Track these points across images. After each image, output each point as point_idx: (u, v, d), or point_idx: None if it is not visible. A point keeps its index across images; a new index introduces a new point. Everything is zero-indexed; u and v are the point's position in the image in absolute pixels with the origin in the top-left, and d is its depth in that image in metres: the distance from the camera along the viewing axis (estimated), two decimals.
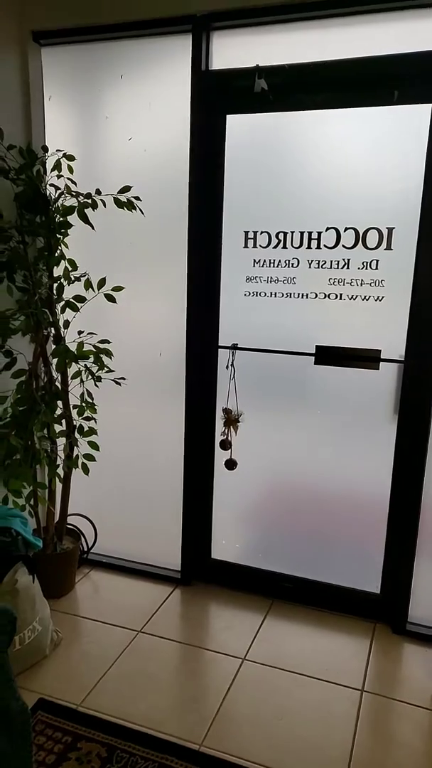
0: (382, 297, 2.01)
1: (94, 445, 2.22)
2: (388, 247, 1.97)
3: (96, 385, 2.16)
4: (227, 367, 2.24)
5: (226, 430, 2.25)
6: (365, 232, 1.98)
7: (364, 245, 1.99)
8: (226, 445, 2.26)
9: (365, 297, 2.03)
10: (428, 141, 1.86)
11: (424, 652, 2.07)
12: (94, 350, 2.13)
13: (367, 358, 2.06)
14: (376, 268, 2.00)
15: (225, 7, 1.92)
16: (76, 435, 2.22)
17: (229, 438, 2.26)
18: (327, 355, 2.12)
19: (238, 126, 2.07)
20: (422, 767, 1.62)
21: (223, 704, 1.82)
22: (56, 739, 1.65)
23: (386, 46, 1.83)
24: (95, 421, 2.23)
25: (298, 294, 2.11)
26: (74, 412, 2.21)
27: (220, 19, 1.95)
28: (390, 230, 1.96)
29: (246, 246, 2.13)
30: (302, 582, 2.31)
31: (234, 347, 2.22)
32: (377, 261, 1.99)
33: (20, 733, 1.27)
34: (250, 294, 2.17)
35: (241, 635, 2.15)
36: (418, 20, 1.81)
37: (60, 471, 2.26)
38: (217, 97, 2.04)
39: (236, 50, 1.99)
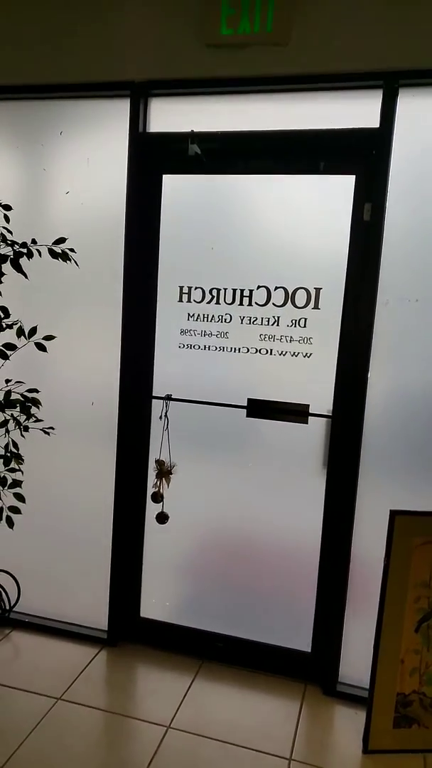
0: (311, 354, 2.07)
1: (19, 497, 2.12)
2: (316, 306, 2.05)
3: (22, 435, 2.10)
4: (161, 417, 2.23)
5: (158, 482, 2.22)
6: (294, 292, 2.06)
7: (293, 304, 2.06)
8: (157, 497, 2.22)
9: (294, 353, 2.08)
10: (352, 208, 1.98)
11: (354, 714, 2.02)
12: (22, 399, 2.08)
13: (297, 412, 2.10)
14: (305, 326, 2.06)
15: (162, 77, 2.02)
16: (0, 487, 2.13)
17: (161, 490, 2.22)
18: (258, 408, 2.14)
19: (175, 185, 2.14)
20: None
21: None
22: None
23: (311, 121, 1.96)
24: (21, 473, 2.15)
25: (231, 348, 2.14)
26: None
27: (157, 87, 2.05)
28: (318, 290, 2.04)
29: (181, 300, 2.17)
30: (233, 641, 2.24)
31: (168, 398, 2.22)
32: (305, 319, 2.06)
33: None
34: (184, 346, 2.19)
35: (167, 700, 2.05)
36: (341, 101, 1.95)
37: None
38: (154, 158, 2.12)
39: (173, 115, 2.08)
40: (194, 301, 2.16)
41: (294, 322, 2.07)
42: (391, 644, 1.86)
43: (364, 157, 1.93)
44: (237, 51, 1.93)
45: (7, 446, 2.10)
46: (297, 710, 2.04)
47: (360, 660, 2.07)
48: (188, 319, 2.17)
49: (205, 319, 2.15)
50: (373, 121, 1.90)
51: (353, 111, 1.93)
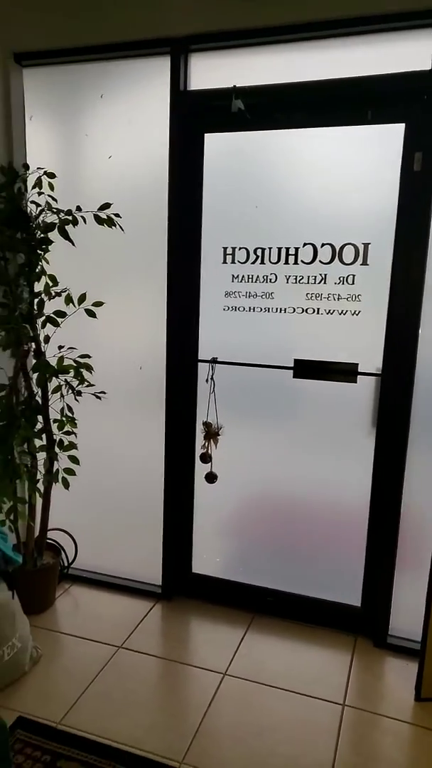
0: (359, 311, 2.04)
1: (74, 460, 2.22)
2: (364, 263, 2.01)
3: (76, 399, 2.17)
4: (207, 380, 2.26)
5: (206, 444, 2.26)
6: (341, 248, 2.02)
7: (341, 261, 2.03)
8: (206, 458, 2.26)
9: (342, 311, 2.06)
10: (401, 159, 1.91)
11: (405, 665, 2.07)
12: (75, 365, 2.14)
13: (345, 372, 2.09)
14: (353, 283, 2.03)
15: (203, 30, 1.97)
16: (56, 449, 2.22)
17: (209, 451, 2.26)
18: (305, 369, 2.14)
19: (217, 144, 2.11)
20: None
21: (204, 721, 1.81)
22: (35, 758, 1.63)
23: (359, 68, 1.88)
24: (75, 436, 2.23)
25: (276, 308, 2.13)
26: (54, 427, 2.21)
27: (198, 41, 2.00)
28: (366, 246, 2.00)
29: (225, 261, 2.16)
30: (283, 596, 2.31)
31: (214, 361, 2.24)
32: (353, 276, 2.02)
33: None
34: (229, 309, 2.19)
35: (222, 650, 2.14)
36: (389, 43, 1.86)
37: (40, 486, 2.25)
38: (196, 117, 2.08)
39: (214, 71, 2.04)
40: (238, 261, 2.14)
41: (342, 279, 2.03)
42: None
43: (414, 102, 1.85)
44: None
45: (62, 410, 2.18)
46: (348, 661, 2.10)
47: (410, 613, 2.11)
48: (233, 281, 2.16)
49: (250, 279, 2.14)
50: (424, 63, 1.81)
51: (402, 54, 1.84)
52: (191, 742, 1.72)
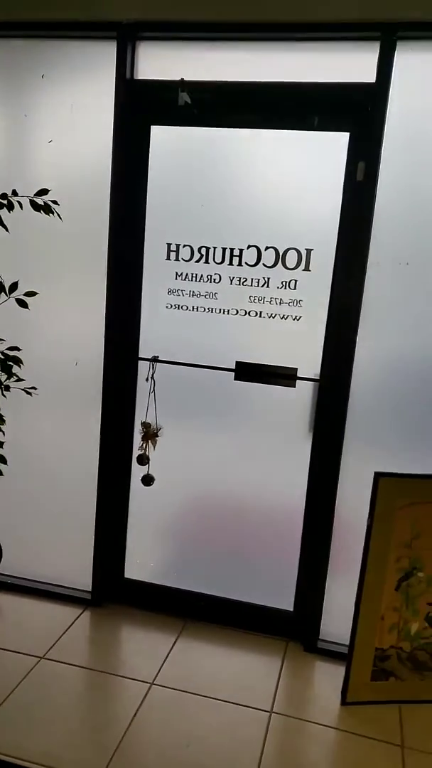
0: (300, 317, 2.04)
1: (1, 459, 2.08)
2: (307, 268, 2.01)
3: (3, 394, 2.04)
4: (147, 379, 2.19)
5: (144, 445, 2.19)
6: (285, 252, 2.02)
7: (284, 265, 2.02)
8: (143, 460, 2.20)
9: (284, 316, 2.05)
10: (345, 167, 1.93)
11: (333, 669, 2.08)
12: (2, 357, 2.01)
13: (285, 376, 2.08)
14: (295, 288, 2.03)
15: (151, 18, 1.91)
16: None
17: (147, 453, 2.20)
18: (246, 372, 2.12)
19: (163, 137, 2.05)
20: None
21: (128, 732, 1.74)
22: None
23: (308, 74, 1.88)
24: (3, 433, 2.10)
25: (220, 309, 2.10)
26: None
27: (147, 29, 1.94)
28: (309, 251, 2.00)
29: (168, 258, 2.11)
30: (216, 600, 2.27)
31: (154, 359, 2.18)
32: (296, 281, 2.03)
33: None
34: (171, 306, 2.14)
35: (151, 658, 2.07)
36: (339, 53, 1.88)
37: None
38: (142, 107, 2.02)
39: (163, 61, 1.98)
40: (182, 259, 2.10)
41: (284, 283, 2.03)
42: (372, 602, 1.90)
43: (358, 113, 1.87)
44: None
45: None
46: (278, 666, 2.09)
47: (340, 618, 2.11)
48: (176, 279, 2.11)
49: (194, 278, 2.10)
50: (369, 75, 1.84)
51: (349, 64, 1.86)
52: (112, 757, 1.65)
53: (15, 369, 2.02)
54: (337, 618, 2.14)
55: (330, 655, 2.14)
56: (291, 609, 2.22)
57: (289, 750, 1.73)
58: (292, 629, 2.22)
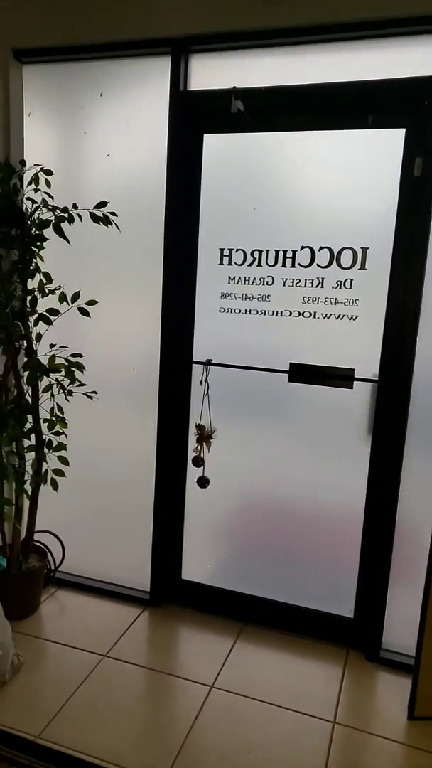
0: (356, 316, 2.01)
1: (63, 460, 2.17)
2: (362, 267, 1.98)
3: (67, 399, 2.13)
4: (201, 382, 2.22)
5: (199, 447, 2.22)
6: (340, 252, 1.99)
7: (339, 265, 2.00)
8: (198, 462, 2.22)
9: (339, 316, 2.03)
10: (401, 164, 1.89)
11: (398, 681, 2.01)
12: (66, 364, 2.10)
13: (341, 377, 2.05)
14: (350, 288, 2.00)
15: (203, 31, 1.96)
16: (46, 450, 2.17)
17: (202, 455, 2.22)
18: (301, 373, 2.10)
19: (216, 145, 2.09)
20: None
21: (189, 735, 1.74)
22: None
23: (360, 72, 1.87)
24: (65, 436, 2.19)
25: (273, 311, 2.10)
26: (44, 427, 2.17)
27: (199, 42, 1.99)
28: (364, 250, 1.97)
29: (221, 263, 2.14)
30: (274, 605, 2.25)
31: (208, 363, 2.20)
32: (351, 280, 2.00)
33: None
34: (224, 310, 2.16)
35: (210, 661, 2.07)
36: (391, 48, 1.85)
37: (27, 487, 2.20)
38: (195, 117, 2.07)
39: (214, 71, 2.02)
40: (235, 263, 2.12)
41: (339, 283, 2.01)
42: None
43: (415, 108, 1.83)
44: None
45: (52, 410, 2.14)
46: (340, 675, 2.04)
47: (404, 627, 2.05)
48: (229, 283, 2.13)
49: (247, 282, 2.11)
50: (426, 68, 1.80)
51: (404, 59, 1.83)
52: (176, 759, 1.66)
53: (77, 374, 2.11)
54: (399, 627, 2.07)
55: (393, 666, 2.06)
56: (351, 616, 2.16)
57: (356, 764, 1.68)
58: (353, 637, 2.16)
